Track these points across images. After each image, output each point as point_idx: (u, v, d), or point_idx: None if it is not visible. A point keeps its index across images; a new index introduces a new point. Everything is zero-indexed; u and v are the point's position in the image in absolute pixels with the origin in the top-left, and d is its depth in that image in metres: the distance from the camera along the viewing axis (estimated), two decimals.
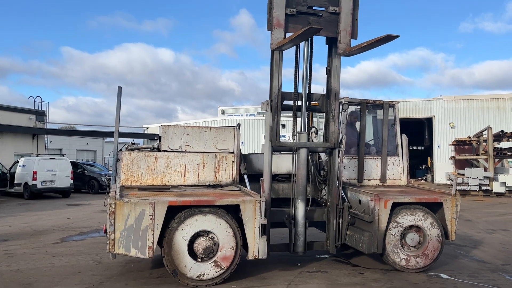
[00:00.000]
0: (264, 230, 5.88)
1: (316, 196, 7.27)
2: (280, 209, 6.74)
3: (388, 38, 5.59)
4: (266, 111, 6.51)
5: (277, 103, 6.42)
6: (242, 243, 5.89)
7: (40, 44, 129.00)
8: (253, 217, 5.79)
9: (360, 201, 6.82)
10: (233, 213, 5.89)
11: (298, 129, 6.78)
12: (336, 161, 6.73)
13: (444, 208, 6.72)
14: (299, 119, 6.79)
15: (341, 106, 7.07)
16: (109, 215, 5.33)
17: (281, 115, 6.54)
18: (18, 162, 19.91)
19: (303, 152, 6.59)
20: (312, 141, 7.11)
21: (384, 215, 6.40)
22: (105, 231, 5.56)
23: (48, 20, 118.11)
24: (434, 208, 6.83)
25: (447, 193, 6.89)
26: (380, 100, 7.91)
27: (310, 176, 7.00)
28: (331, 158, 6.83)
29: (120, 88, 6.94)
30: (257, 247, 5.84)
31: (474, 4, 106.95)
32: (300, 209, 6.55)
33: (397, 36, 5.52)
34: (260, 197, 5.87)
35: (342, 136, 6.80)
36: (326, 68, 6.90)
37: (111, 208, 5.32)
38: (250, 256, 5.86)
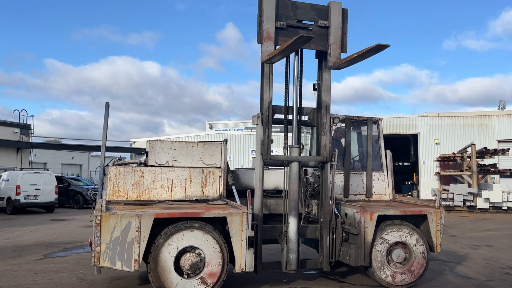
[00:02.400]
0: (251, 243, 5.85)
1: (303, 211, 7.25)
2: (272, 226, 6.64)
3: (379, 48, 5.45)
4: (257, 124, 6.41)
5: (268, 116, 6.37)
6: (229, 259, 5.87)
7: (23, 56, 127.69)
8: (240, 230, 5.78)
9: (346, 214, 6.86)
10: (220, 228, 5.88)
11: (289, 143, 6.66)
12: (328, 175, 6.67)
13: (428, 221, 6.81)
14: (288, 133, 6.74)
15: (332, 120, 7.06)
16: (94, 227, 5.28)
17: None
18: (1, 176, 19.59)
19: (295, 166, 6.47)
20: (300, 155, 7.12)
21: (370, 228, 6.45)
22: (90, 244, 5.50)
23: (31, 31, 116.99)
24: (419, 222, 6.92)
25: (431, 206, 7.00)
26: (364, 117, 8.03)
27: (300, 191, 6.90)
28: (323, 172, 6.76)
29: (107, 104, 6.94)
30: (244, 260, 5.81)
31: (457, 22, 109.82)
32: (293, 225, 6.38)
33: (388, 46, 5.33)
34: (247, 210, 5.85)
35: (335, 150, 6.73)
36: (314, 84, 6.96)
37: (97, 220, 5.28)
38: (237, 269, 5.82)
